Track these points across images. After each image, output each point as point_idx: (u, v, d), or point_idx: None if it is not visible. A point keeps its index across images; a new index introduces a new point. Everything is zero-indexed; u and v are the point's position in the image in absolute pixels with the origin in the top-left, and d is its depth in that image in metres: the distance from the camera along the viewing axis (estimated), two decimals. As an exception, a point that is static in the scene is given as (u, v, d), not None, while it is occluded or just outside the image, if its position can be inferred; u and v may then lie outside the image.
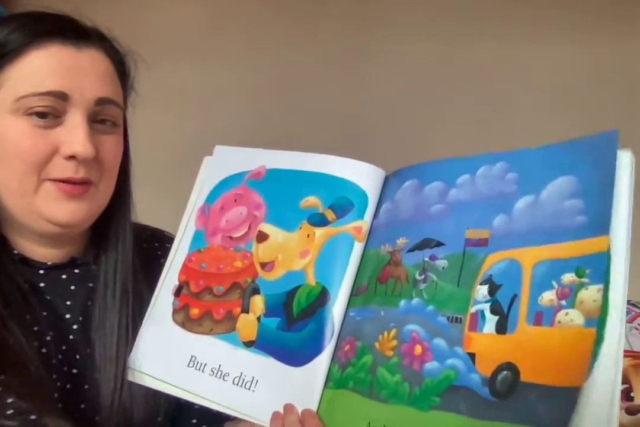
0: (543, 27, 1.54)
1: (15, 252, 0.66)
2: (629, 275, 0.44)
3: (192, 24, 1.86)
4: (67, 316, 0.67)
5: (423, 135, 1.49)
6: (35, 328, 0.63)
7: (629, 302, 0.74)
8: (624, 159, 0.46)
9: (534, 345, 0.44)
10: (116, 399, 0.65)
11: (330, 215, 0.60)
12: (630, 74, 1.46)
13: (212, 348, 0.62)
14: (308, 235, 0.60)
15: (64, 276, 0.68)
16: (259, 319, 0.61)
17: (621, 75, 1.47)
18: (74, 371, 0.65)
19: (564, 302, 0.44)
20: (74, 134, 0.61)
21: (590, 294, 0.43)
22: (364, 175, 0.60)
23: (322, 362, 0.56)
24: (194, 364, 0.62)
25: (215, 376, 0.61)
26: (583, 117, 1.47)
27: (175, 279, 0.67)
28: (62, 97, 0.60)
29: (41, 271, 0.67)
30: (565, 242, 0.46)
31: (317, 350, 0.57)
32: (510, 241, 0.49)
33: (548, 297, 0.45)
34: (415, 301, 0.53)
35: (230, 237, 0.66)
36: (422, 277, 0.53)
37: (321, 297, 0.58)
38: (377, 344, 0.54)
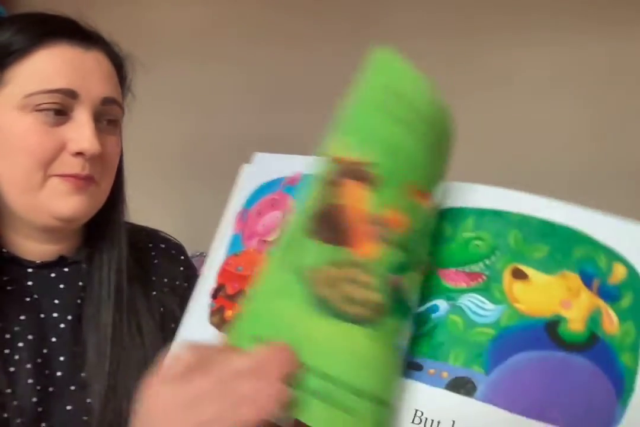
0: (543, 28, 1.54)
1: (5, 250, 0.66)
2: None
3: (192, 24, 1.86)
4: (55, 314, 0.67)
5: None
6: (7, 335, 0.62)
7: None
8: None
9: None
10: (110, 397, 0.65)
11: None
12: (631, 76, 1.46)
13: None
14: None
15: (52, 275, 0.68)
16: None
17: (619, 78, 1.47)
18: (58, 373, 0.65)
19: None
20: (81, 131, 0.61)
21: None
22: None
23: None
24: None
25: None
26: (583, 116, 1.48)
27: (213, 281, 0.68)
28: (71, 95, 0.61)
29: (30, 269, 0.67)
30: None
31: None
32: None
33: None
34: None
35: (265, 241, 0.66)
36: None
37: None
38: None
